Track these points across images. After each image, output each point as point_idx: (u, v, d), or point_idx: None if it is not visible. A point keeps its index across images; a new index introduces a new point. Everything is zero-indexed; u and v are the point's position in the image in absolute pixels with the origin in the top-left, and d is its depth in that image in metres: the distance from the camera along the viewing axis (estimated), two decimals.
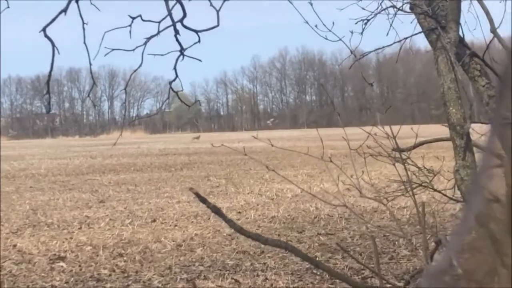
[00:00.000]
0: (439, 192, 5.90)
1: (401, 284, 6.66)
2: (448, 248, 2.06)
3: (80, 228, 13.12)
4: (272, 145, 4.82)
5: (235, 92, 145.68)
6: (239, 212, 14.65)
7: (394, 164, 5.16)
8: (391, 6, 4.76)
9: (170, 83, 5.61)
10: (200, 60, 5.26)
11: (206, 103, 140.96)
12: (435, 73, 4.38)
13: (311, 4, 4.95)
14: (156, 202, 16.83)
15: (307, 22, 4.95)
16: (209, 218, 13.25)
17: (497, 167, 4.27)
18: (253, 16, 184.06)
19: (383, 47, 4.83)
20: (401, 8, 4.64)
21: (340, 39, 4.93)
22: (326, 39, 5.03)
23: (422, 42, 4.58)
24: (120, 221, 13.81)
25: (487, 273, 3.13)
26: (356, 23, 5.14)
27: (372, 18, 5.17)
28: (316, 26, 4.94)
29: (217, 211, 3.29)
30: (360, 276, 8.62)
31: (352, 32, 5.00)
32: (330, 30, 4.93)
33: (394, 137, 4.94)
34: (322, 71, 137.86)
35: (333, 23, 4.92)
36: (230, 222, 3.32)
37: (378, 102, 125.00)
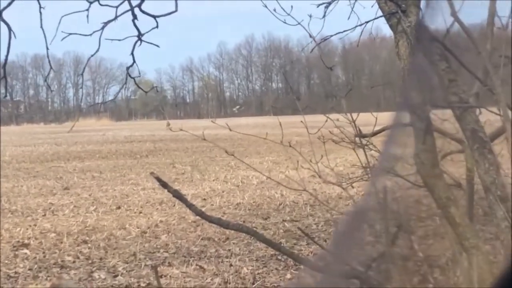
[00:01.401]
0: (401, 177, 5.94)
1: (362, 269, 6.70)
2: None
3: (44, 215, 13.06)
4: (230, 130, 4.82)
5: (201, 79, 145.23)
6: (204, 199, 14.66)
7: (354, 149, 5.17)
8: None
9: (127, 68, 5.59)
10: (157, 46, 5.24)
11: (172, 90, 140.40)
12: (397, 58, 4.40)
13: None
14: (121, 189, 16.79)
15: (266, 6, 4.93)
16: (174, 205, 13.23)
17: (458, 152, 4.30)
18: (220, 2, 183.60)
19: (344, 31, 4.82)
20: None
21: (299, 23, 4.91)
22: (285, 23, 5.01)
23: (387, 30, 4.60)
24: (84, 208, 13.76)
25: (450, 259, 3.15)
26: (318, 7, 5.13)
27: (333, 2, 5.17)
28: (274, 10, 4.93)
29: (178, 195, 3.29)
30: None
31: (310, 16, 4.99)
32: (288, 14, 4.91)
33: (354, 122, 4.95)
34: (288, 58, 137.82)
35: (291, 6, 4.91)
36: (191, 207, 3.32)
37: (343, 90, 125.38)
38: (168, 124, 5.33)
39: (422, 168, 3.25)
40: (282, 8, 4.90)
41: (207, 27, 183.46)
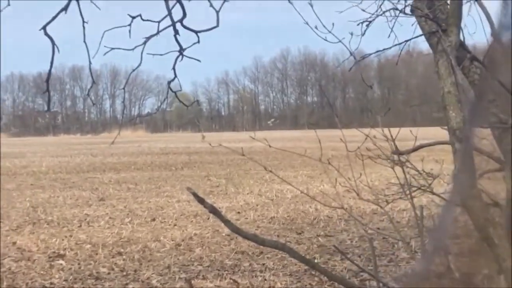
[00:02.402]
0: (438, 195, 5.90)
1: (398, 286, 6.66)
2: (429, 251, 2.06)
3: (80, 226, 13.14)
4: (270, 146, 4.82)
5: (237, 92, 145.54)
6: (239, 212, 14.65)
7: (392, 167, 5.15)
8: (392, 9, 4.75)
9: (169, 83, 5.61)
10: (199, 61, 5.25)
11: (208, 102, 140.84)
12: (437, 77, 4.38)
13: (311, 5, 4.95)
14: (156, 201, 16.83)
15: (307, 23, 4.94)
16: (208, 218, 13.24)
17: (497, 171, 4.26)
18: (255, 16, 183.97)
19: (383, 49, 4.82)
20: (402, 11, 4.63)
21: (340, 41, 4.92)
22: (326, 40, 5.02)
23: (424, 44, 4.58)
24: (119, 219, 13.82)
25: (485, 278, 3.13)
26: (358, 25, 5.13)
27: (372, 20, 5.17)
28: (316, 27, 4.94)
29: (214, 211, 3.29)
30: (358, 279, 8.62)
31: (352, 34, 4.99)
32: (330, 32, 4.92)
33: (393, 140, 4.93)
34: (323, 72, 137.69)
35: (333, 24, 4.92)
36: (227, 223, 3.33)
37: (379, 104, 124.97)
38: (203, 137, 5.32)
39: (460, 189, 3.23)
40: (323, 25, 4.91)
41: (244, 40, 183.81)
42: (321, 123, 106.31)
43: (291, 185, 7.32)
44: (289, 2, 4.94)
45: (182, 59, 5.12)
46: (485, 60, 3.62)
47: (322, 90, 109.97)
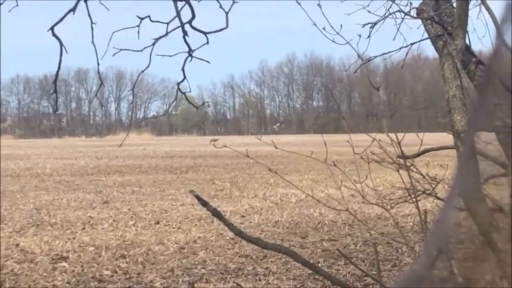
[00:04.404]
0: (443, 200, 5.88)
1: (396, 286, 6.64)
2: (425, 253, 2.04)
3: (84, 228, 13.13)
4: (276, 147, 4.80)
5: (242, 96, 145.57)
6: (243, 216, 14.64)
7: (398, 171, 5.13)
8: (398, 11, 4.73)
9: (178, 84, 5.59)
10: (208, 62, 5.23)
11: (213, 106, 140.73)
12: (442, 80, 4.37)
13: (320, 6, 4.94)
14: (160, 204, 16.83)
15: (315, 24, 4.92)
16: (212, 221, 13.23)
17: (502, 176, 4.24)
18: (261, 19, 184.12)
19: (390, 52, 4.80)
20: (408, 13, 4.61)
21: (348, 42, 4.91)
22: (334, 42, 5.00)
23: (430, 50, 4.56)
24: (123, 222, 13.81)
25: (488, 283, 3.10)
26: (363, 27, 5.11)
27: (379, 22, 5.16)
28: (324, 28, 4.92)
29: (217, 214, 3.28)
30: (362, 283, 8.60)
31: (360, 36, 4.99)
32: (338, 33, 4.91)
33: (399, 143, 4.92)
34: (329, 77, 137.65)
35: (341, 25, 4.90)
36: (230, 226, 3.31)
37: (385, 109, 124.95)
38: (213, 140, 5.32)
39: (465, 193, 3.21)
40: (331, 26, 4.90)
41: (249, 44, 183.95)
42: (327, 128, 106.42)
43: (298, 188, 7.32)
44: (297, 2, 4.92)
45: (191, 60, 5.11)
46: (488, 62, 3.61)
47: (330, 91, 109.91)
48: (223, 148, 5.35)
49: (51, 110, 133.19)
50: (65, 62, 4.91)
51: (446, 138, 4.90)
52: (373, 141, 5.08)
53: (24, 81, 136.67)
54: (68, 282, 8.94)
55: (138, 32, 5.10)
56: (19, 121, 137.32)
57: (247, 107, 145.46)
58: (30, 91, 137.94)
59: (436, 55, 4.55)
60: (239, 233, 3.39)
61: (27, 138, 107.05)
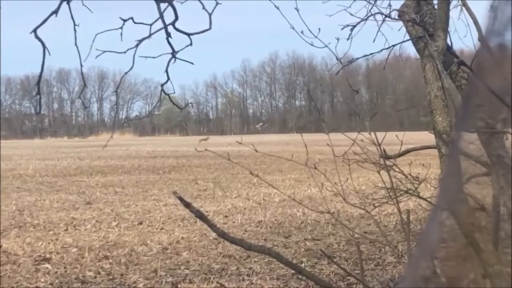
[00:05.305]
0: (425, 199, 5.91)
1: None
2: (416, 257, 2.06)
3: (66, 229, 13.09)
4: (256, 151, 4.80)
5: (225, 96, 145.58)
6: (226, 216, 14.64)
7: (379, 172, 5.15)
8: (378, 13, 4.75)
9: (162, 85, 5.60)
10: (192, 63, 5.25)
11: (196, 106, 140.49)
12: (424, 82, 4.39)
13: (297, 10, 4.95)
14: (143, 204, 16.80)
15: (293, 28, 4.94)
16: (195, 222, 13.22)
17: (484, 175, 4.27)
18: (243, 20, 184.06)
19: (371, 54, 4.83)
20: (389, 15, 4.63)
21: (326, 46, 4.93)
22: (312, 45, 5.02)
23: (411, 49, 4.59)
24: (106, 223, 13.78)
25: (471, 282, 3.12)
26: (342, 29, 5.13)
27: (359, 24, 5.17)
28: (302, 32, 4.94)
29: (200, 215, 3.28)
30: (345, 283, 8.62)
31: (338, 39, 5.00)
32: (316, 37, 4.92)
33: (379, 144, 4.94)
34: (312, 76, 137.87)
35: (319, 29, 4.92)
36: (214, 227, 3.31)
37: (367, 108, 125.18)
38: (203, 140, 5.27)
39: (447, 193, 3.23)
40: (309, 30, 4.92)
41: (231, 42, 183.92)
42: (309, 127, 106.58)
43: (277, 189, 7.33)
44: (275, 7, 4.94)
45: (175, 61, 5.12)
46: (473, 65, 3.62)
47: (310, 95, 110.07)
48: (202, 148, 5.35)
49: (33, 110, 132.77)
50: (46, 63, 4.90)
51: (429, 136, 4.93)
52: (353, 144, 5.09)
53: (6, 81, 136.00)
54: (51, 284, 8.91)
55: (121, 34, 5.10)
56: (1, 122, 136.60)
57: (229, 106, 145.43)
58: (11, 91, 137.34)
59: (418, 55, 4.58)
60: (222, 235, 3.39)
61: (9, 139, 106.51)
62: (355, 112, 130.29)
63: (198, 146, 5.35)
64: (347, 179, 5.17)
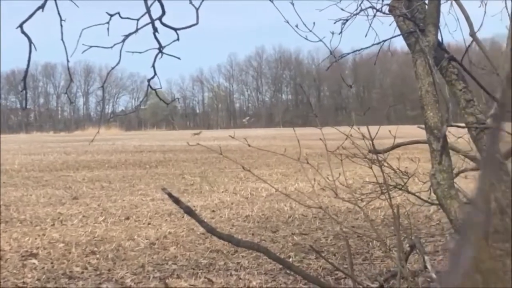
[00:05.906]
0: (414, 194, 5.91)
1: (374, 285, 6.66)
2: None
3: (53, 224, 13.04)
4: (249, 145, 4.80)
5: (211, 90, 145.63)
6: (213, 211, 14.62)
7: (371, 167, 5.14)
8: (369, 7, 4.74)
9: (149, 80, 5.59)
10: (179, 58, 5.23)
11: (182, 100, 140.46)
12: (412, 73, 4.38)
13: (293, 4, 4.94)
14: (130, 199, 16.75)
15: (288, 22, 4.93)
16: (183, 217, 13.19)
17: (472, 170, 4.26)
18: (230, 14, 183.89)
19: (362, 49, 4.82)
20: (380, 10, 4.62)
21: (321, 40, 4.92)
22: (307, 39, 5.01)
23: (399, 43, 4.58)
24: (93, 218, 13.73)
25: None
26: (334, 23, 5.12)
27: (350, 18, 5.16)
28: (296, 26, 4.93)
29: (189, 211, 3.26)
30: (333, 277, 8.61)
31: (332, 33, 4.99)
32: (310, 31, 4.92)
33: (372, 139, 4.93)
34: (298, 70, 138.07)
35: (314, 23, 4.91)
36: (202, 223, 3.29)
37: (354, 102, 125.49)
38: (196, 134, 5.22)
39: (438, 189, 3.22)
40: (304, 24, 4.90)
41: (218, 38, 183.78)
42: (295, 121, 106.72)
43: (268, 183, 7.31)
44: (270, 1, 4.92)
45: (161, 56, 5.11)
46: (465, 62, 3.62)
47: (302, 89, 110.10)
48: (192, 143, 5.34)
49: (18, 105, 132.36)
50: (32, 57, 4.87)
51: (416, 131, 4.92)
52: (346, 138, 5.08)
53: None
54: (38, 279, 8.87)
55: (108, 29, 5.08)
56: None
57: (216, 101, 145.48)
58: None
59: (405, 48, 4.57)
60: (211, 231, 3.37)
61: None
62: (341, 106, 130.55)
63: (191, 141, 5.33)
64: (339, 174, 5.16)
